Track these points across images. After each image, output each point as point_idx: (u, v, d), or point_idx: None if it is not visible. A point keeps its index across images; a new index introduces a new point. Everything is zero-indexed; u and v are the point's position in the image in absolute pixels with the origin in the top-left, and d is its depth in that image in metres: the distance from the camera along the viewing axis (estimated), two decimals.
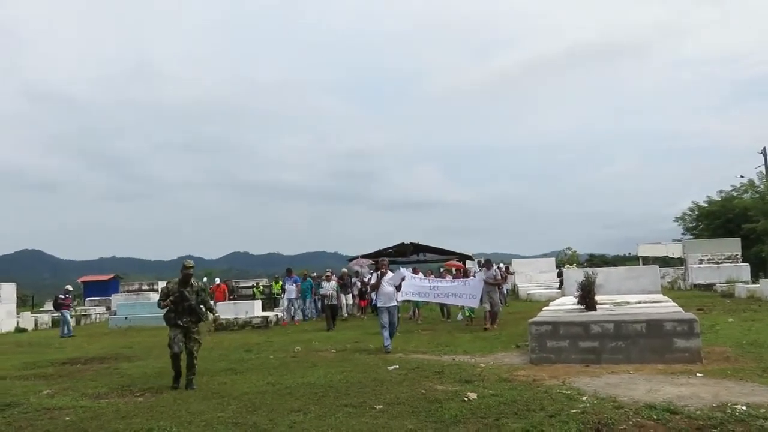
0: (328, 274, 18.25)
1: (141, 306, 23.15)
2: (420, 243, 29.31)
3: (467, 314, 15.48)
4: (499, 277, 15.38)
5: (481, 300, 14.37)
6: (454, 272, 20.66)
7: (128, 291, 31.27)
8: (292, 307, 19.55)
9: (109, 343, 15.39)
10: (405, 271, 14.43)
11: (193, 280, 8.55)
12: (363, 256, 26.15)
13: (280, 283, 22.43)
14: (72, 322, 20.25)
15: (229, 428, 5.74)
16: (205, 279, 22.76)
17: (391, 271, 12.27)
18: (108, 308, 28.73)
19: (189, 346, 8.33)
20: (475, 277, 15.34)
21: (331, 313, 16.82)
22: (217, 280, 24.21)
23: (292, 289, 19.60)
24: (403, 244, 28.78)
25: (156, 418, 6.30)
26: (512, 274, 28.13)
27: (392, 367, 8.89)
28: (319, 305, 20.47)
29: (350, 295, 20.48)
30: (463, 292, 14.57)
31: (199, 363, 10.54)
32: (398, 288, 11.77)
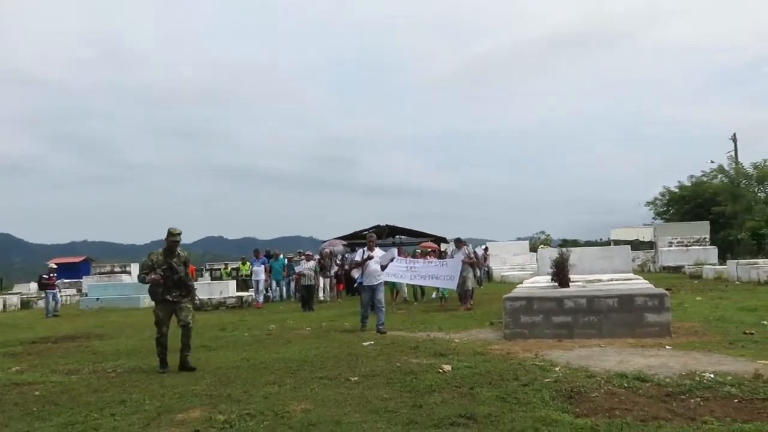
0: (308, 253, 17.78)
1: (113, 287, 22.87)
2: (395, 225, 29.32)
3: (441, 295, 15.39)
4: (472, 256, 15.01)
5: (459, 281, 14.19)
6: (429, 252, 20.61)
7: (100, 273, 30.84)
8: (260, 289, 19.08)
9: (80, 324, 15.16)
10: (395, 252, 14.07)
11: (179, 249, 7.78)
12: (337, 238, 26.07)
13: (248, 264, 21.98)
14: (60, 301, 19.75)
15: (203, 400, 5.70)
16: None
17: (381, 249, 11.75)
18: (79, 290, 28.29)
19: (182, 317, 7.57)
20: (452, 257, 15.02)
21: (307, 293, 16.33)
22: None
23: (259, 271, 19.16)
24: (378, 226, 28.76)
25: (128, 392, 6.23)
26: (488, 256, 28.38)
27: (367, 343, 8.91)
28: (293, 286, 20.15)
29: (328, 279, 19.77)
30: (440, 274, 14.20)
31: (172, 341, 10.50)
32: (383, 268, 11.33)
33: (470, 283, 14.46)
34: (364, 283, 10.87)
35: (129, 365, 8.04)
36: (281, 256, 21.00)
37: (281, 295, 20.31)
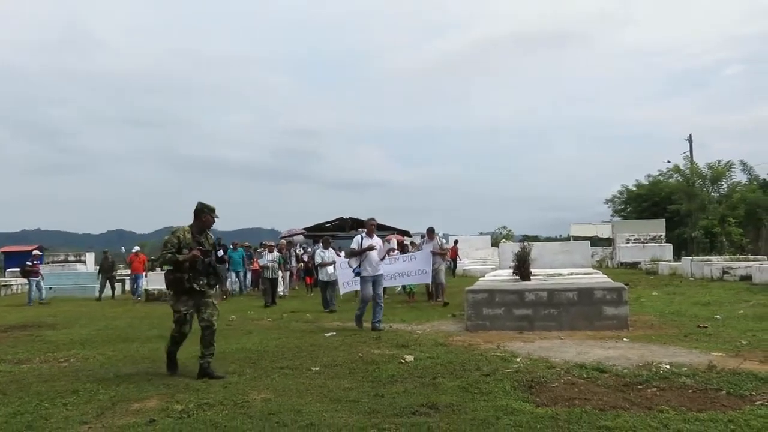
0: (271, 244, 16.91)
1: (67, 276, 22.24)
2: (359, 218, 29.19)
3: (408, 290, 14.86)
4: (446, 247, 14.50)
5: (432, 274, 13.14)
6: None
7: (53, 262, 29.91)
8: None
9: (31, 313, 14.67)
10: (394, 242, 12.93)
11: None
12: (303, 230, 25.75)
13: None
14: (44, 288, 18.88)
15: (160, 389, 5.55)
16: (136, 248, 21.06)
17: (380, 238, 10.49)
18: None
19: (206, 315, 6.24)
20: (421, 249, 13.94)
21: (270, 286, 15.35)
22: (136, 249, 20.85)
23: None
24: (342, 218, 28.62)
25: (82, 381, 6.03)
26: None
27: (329, 334, 8.85)
28: (249, 278, 19.56)
29: (288, 272, 18.76)
30: (411, 269, 12.83)
31: (128, 331, 10.27)
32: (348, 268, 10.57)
33: (443, 276, 13.89)
34: (363, 275, 9.62)
35: (83, 355, 7.79)
36: (240, 247, 20.20)
37: (240, 288, 19.57)
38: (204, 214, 6.30)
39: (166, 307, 15.15)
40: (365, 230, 10.04)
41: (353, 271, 10.04)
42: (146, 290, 18.55)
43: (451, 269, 23.96)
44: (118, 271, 21.73)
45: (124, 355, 7.61)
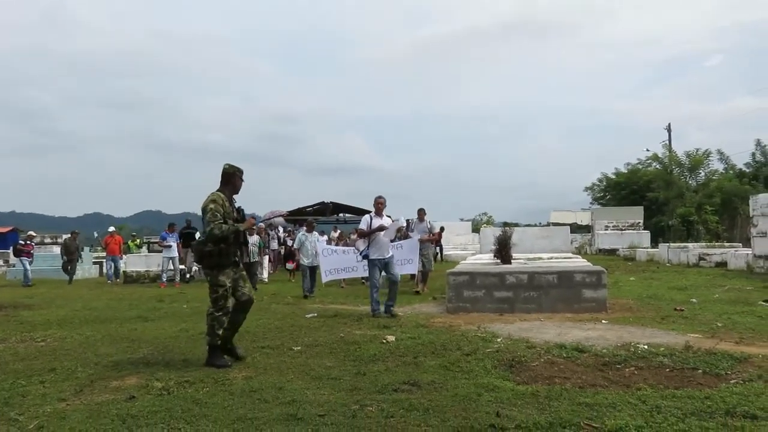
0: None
1: (43, 258, 21.89)
2: (340, 203, 29.12)
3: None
4: (436, 231, 13.70)
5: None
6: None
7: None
8: (170, 267, 16.94)
9: (7, 295, 14.44)
10: (403, 221, 11.30)
11: None
12: (286, 212, 25.48)
13: (138, 241, 20.52)
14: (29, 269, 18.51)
15: (140, 368, 5.50)
16: (112, 229, 20.47)
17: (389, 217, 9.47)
18: (6, 261, 26.99)
19: (246, 290, 5.83)
20: (412, 230, 12.90)
21: (251, 271, 14.21)
22: (111, 229, 19.90)
23: (172, 247, 17.05)
24: (323, 203, 28.50)
25: (59, 360, 5.96)
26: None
27: (310, 315, 8.84)
28: None
29: (266, 257, 17.87)
30: (397, 258, 11.18)
31: (106, 312, 10.15)
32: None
33: (429, 263, 12.99)
34: (372, 257, 8.92)
35: (60, 335, 7.69)
36: None
37: None
38: (236, 177, 5.80)
39: (144, 289, 15.22)
40: (373, 209, 9.23)
41: (360, 254, 9.22)
42: (124, 272, 18.35)
43: (439, 255, 23.65)
44: (96, 254, 21.32)
45: (102, 335, 7.51)
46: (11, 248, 20.81)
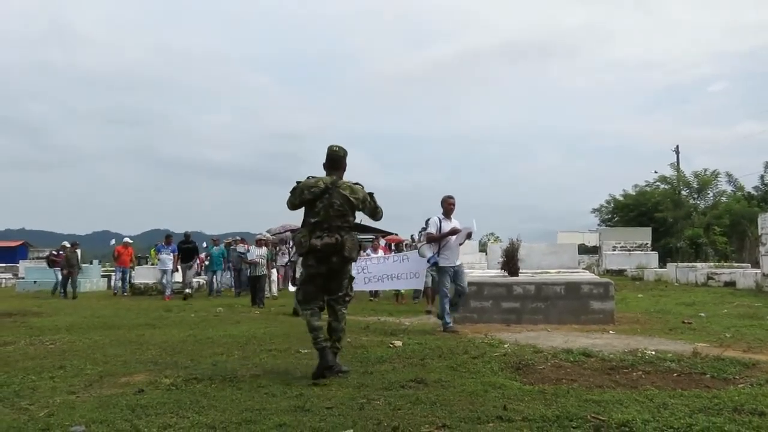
0: (259, 237, 14.91)
1: (51, 271, 22.01)
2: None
3: (397, 291, 13.48)
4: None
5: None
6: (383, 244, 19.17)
7: (38, 258, 29.70)
8: (165, 280, 16.48)
9: (16, 304, 14.52)
10: (474, 225, 9.20)
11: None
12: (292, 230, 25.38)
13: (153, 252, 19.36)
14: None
15: (148, 366, 5.54)
16: (127, 239, 19.91)
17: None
18: (15, 275, 27.17)
19: (343, 287, 5.14)
20: (419, 243, 11.58)
21: (258, 285, 13.66)
22: (126, 240, 19.41)
23: (167, 259, 16.48)
24: None
25: (68, 359, 6.01)
26: None
27: None
28: (232, 277, 18.13)
29: (274, 270, 16.66)
30: (401, 272, 10.61)
31: (114, 320, 10.19)
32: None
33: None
34: (441, 264, 8.12)
35: (69, 339, 7.73)
36: (221, 245, 18.64)
37: (218, 288, 17.61)
38: (345, 161, 5.26)
39: (152, 300, 15.23)
40: (442, 211, 8.41)
41: (428, 261, 8.46)
42: (131, 284, 18.39)
43: None
44: (105, 266, 21.24)
45: (110, 340, 7.55)
46: (45, 258, 20.94)
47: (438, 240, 8.11)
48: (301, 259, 9.62)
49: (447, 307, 7.96)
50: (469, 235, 8.46)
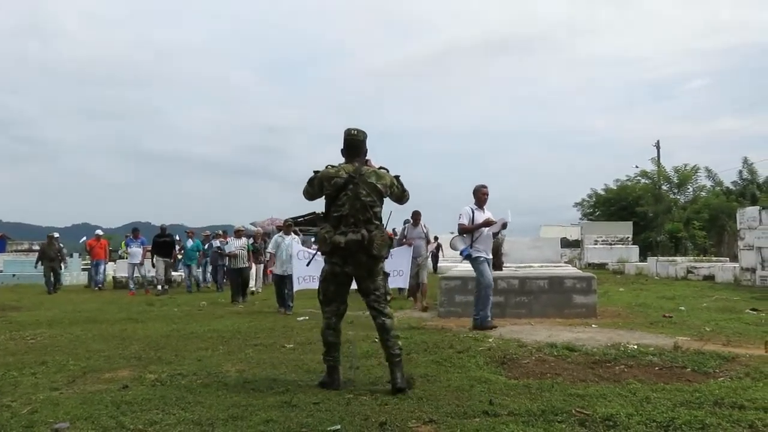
0: (239, 229, 13.86)
1: (31, 264, 21.74)
2: None
3: None
4: (431, 239, 11.77)
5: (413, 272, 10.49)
6: None
7: (17, 251, 29.31)
8: (135, 274, 16.11)
9: None
10: (509, 215, 8.31)
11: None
12: (295, 220, 25.19)
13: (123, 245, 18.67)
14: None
15: (131, 362, 5.51)
16: (99, 232, 19.32)
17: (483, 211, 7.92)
18: None
19: (380, 301, 4.58)
20: (405, 236, 11.04)
21: (240, 279, 12.74)
22: (99, 233, 18.51)
23: (137, 252, 16.00)
24: (315, 213, 28.46)
25: (51, 354, 5.95)
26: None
27: (302, 318, 8.87)
28: (210, 272, 17.28)
29: (261, 265, 15.59)
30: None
31: (96, 314, 10.09)
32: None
33: (425, 274, 11.13)
34: (475, 256, 7.65)
35: (50, 333, 7.66)
36: (197, 238, 17.71)
37: (197, 283, 16.90)
38: (365, 145, 4.75)
39: (135, 294, 15.06)
40: (474, 201, 7.92)
41: (461, 254, 7.79)
42: (113, 278, 18.19)
43: (433, 266, 22.19)
44: (85, 260, 20.58)
45: (92, 334, 7.49)
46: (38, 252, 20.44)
47: (471, 231, 7.64)
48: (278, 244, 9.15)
49: (491, 299, 7.59)
50: (504, 226, 8.02)
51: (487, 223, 7.65)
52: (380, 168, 4.65)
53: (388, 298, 4.65)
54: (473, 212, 7.73)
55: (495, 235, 7.81)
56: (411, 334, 6.94)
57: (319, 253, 4.78)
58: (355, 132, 4.65)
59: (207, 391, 4.26)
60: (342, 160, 4.64)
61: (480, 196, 7.87)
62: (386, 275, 4.70)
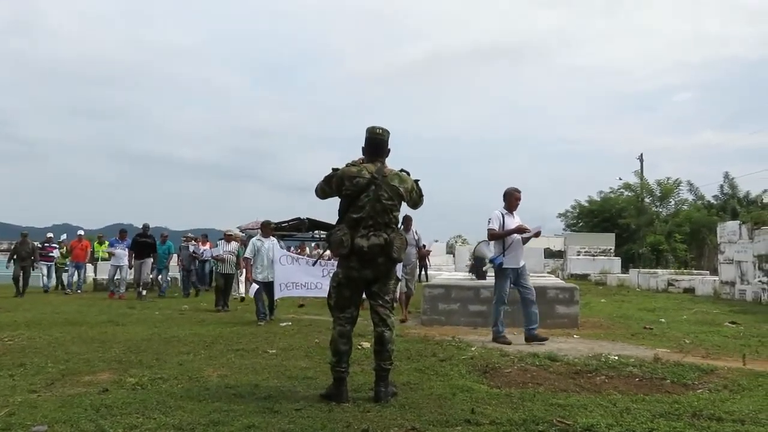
0: (229, 233, 13.21)
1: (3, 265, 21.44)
2: (317, 219, 28.84)
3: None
4: (423, 245, 11.12)
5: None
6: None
7: None
8: (117, 276, 15.26)
9: None
10: (541, 226, 8.60)
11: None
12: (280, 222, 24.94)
13: (106, 244, 17.52)
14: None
15: (112, 365, 5.45)
16: (81, 232, 18.58)
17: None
18: None
19: (384, 308, 4.44)
20: None
21: (225, 285, 12.16)
22: (81, 233, 17.67)
23: (122, 255, 15.24)
24: (299, 219, 28.19)
25: (29, 357, 5.87)
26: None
27: (285, 324, 8.83)
28: (190, 276, 16.20)
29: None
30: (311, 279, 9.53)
31: (75, 316, 9.97)
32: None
33: (413, 282, 10.46)
34: (506, 265, 7.22)
35: (28, 335, 7.54)
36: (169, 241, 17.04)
37: (165, 287, 16.33)
38: (388, 145, 4.57)
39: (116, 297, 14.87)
40: (504, 205, 7.47)
41: (490, 261, 7.43)
42: (94, 279, 17.95)
43: (424, 273, 21.01)
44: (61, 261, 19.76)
45: (72, 336, 7.39)
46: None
47: (502, 237, 7.17)
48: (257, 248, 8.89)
49: (502, 314, 7.28)
50: (537, 234, 7.65)
51: (520, 230, 7.21)
52: (401, 170, 4.50)
53: (394, 305, 4.56)
54: (503, 217, 7.29)
55: (525, 242, 7.38)
56: None
57: (326, 256, 4.57)
58: (380, 131, 4.47)
59: (188, 396, 4.22)
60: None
61: (512, 200, 7.41)
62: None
